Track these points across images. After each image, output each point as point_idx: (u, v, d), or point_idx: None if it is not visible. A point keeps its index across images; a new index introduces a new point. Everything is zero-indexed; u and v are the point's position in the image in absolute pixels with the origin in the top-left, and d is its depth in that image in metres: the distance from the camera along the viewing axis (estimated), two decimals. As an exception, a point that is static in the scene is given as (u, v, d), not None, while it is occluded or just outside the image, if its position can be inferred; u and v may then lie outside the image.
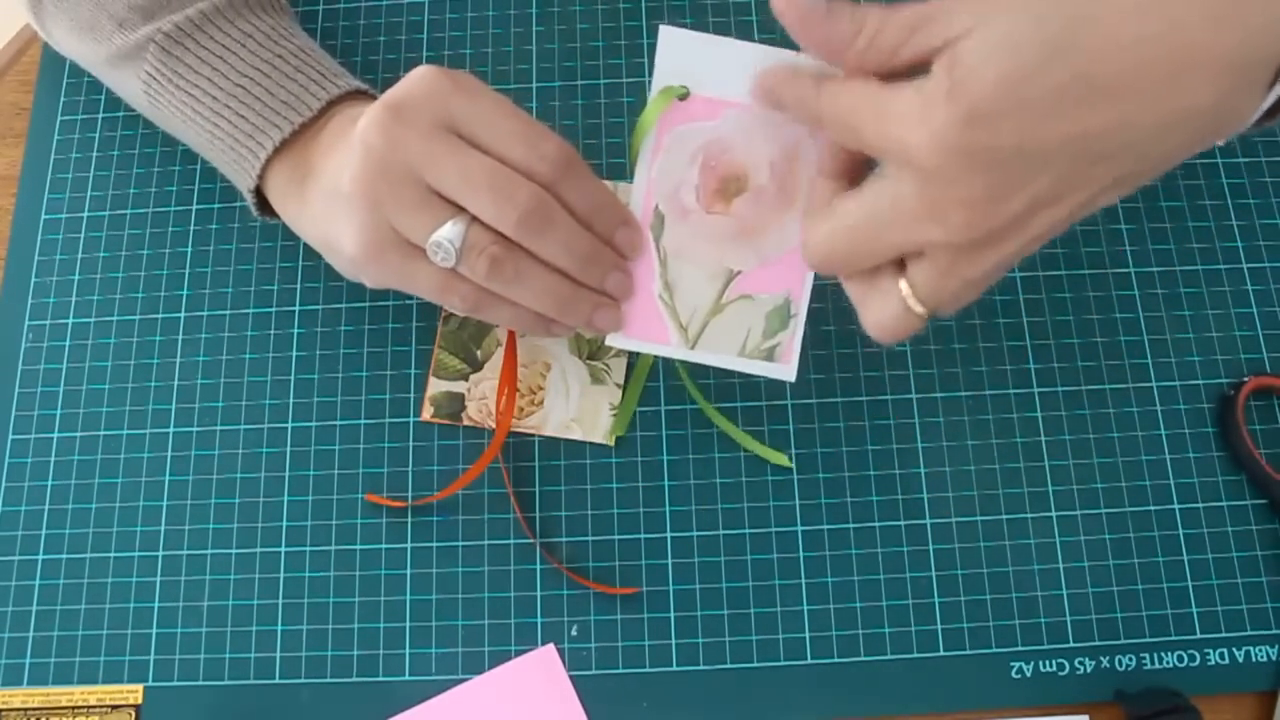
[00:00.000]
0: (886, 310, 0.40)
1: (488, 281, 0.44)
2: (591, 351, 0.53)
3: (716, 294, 0.46)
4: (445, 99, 0.43)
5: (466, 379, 0.53)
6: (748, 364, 0.46)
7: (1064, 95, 0.34)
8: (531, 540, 0.51)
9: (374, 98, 0.48)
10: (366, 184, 0.43)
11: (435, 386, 0.53)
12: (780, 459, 0.51)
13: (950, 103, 0.34)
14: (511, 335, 0.52)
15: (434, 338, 0.54)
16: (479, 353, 0.53)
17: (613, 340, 0.47)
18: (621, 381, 0.52)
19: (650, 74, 0.59)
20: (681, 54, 0.45)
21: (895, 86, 0.36)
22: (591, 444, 0.52)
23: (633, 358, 0.53)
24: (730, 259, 0.46)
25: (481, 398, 0.52)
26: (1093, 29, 0.33)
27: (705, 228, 0.46)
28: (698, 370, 0.52)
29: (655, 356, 0.51)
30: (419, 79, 0.44)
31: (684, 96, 0.45)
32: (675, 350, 0.47)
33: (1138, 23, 0.33)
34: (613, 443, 0.52)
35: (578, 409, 0.52)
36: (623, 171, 0.57)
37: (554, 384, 0.52)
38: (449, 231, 0.43)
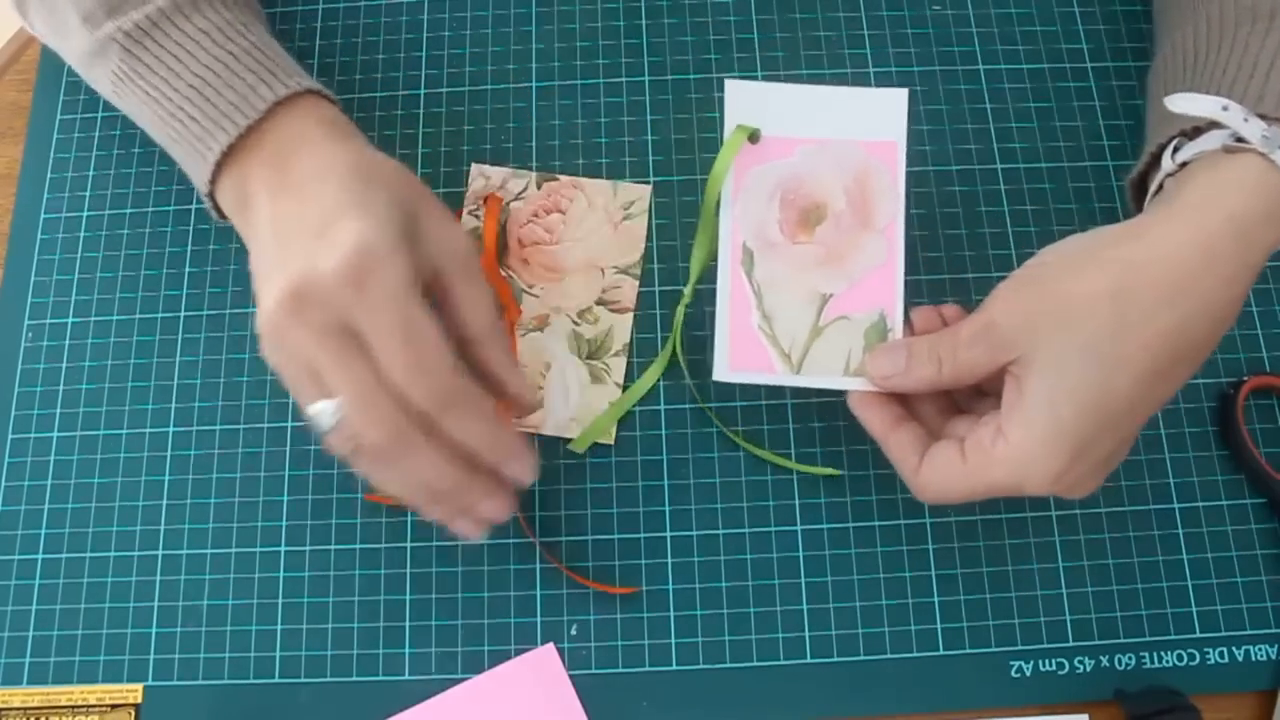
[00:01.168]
0: None
1: (351, 462, 0.43)
2: (591, 351, 0.53)
3: (814, 318, 0.48)
4: (349, 305, 0.41)
5: None
6: (855, 382, 0.47)
7: (1135, 397, 0.41)
8: (531, 540, 0.51)
9: (326, 97, 0.48)
10: (267, 341, 0.42)
11: None
12: (829, 471, 0.51)
13: (1050, 461, 0.41)
14: (512, 334, 0.52)
15: None
16: None
17: (719, 375, 0.48)
18: (621, 381, 0.52)
19: (649, 73, 0.59)
20: (748, 103, 0.49)
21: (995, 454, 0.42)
22: (591, 443, 0.52)
23: (627, 380, 0.53)
24: (821, 284, 0.48)
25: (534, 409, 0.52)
26: (1134, 336, 0.40)
27: (793, 258, 0.49)
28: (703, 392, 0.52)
29: (645, 388, 0.52)
30: (337, 270, 0.40)
31: (754, 137, 0.49)
32: (782, 377, 0.48)
33: (1169, 313, 0.40)
34: (612, 441, 0.52)
35: (577, 408, 0.52)
36: (623, 171, 0.57)
37: (554, 383, 0.52)
38: (326, 409, 0.41)
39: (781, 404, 0.52)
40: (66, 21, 0.50)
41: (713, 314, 0.48)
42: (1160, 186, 0.45)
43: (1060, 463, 0.41)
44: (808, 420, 0.52)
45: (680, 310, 0.52)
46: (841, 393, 0.48)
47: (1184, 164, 0.44)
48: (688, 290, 0.52)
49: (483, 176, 0.56)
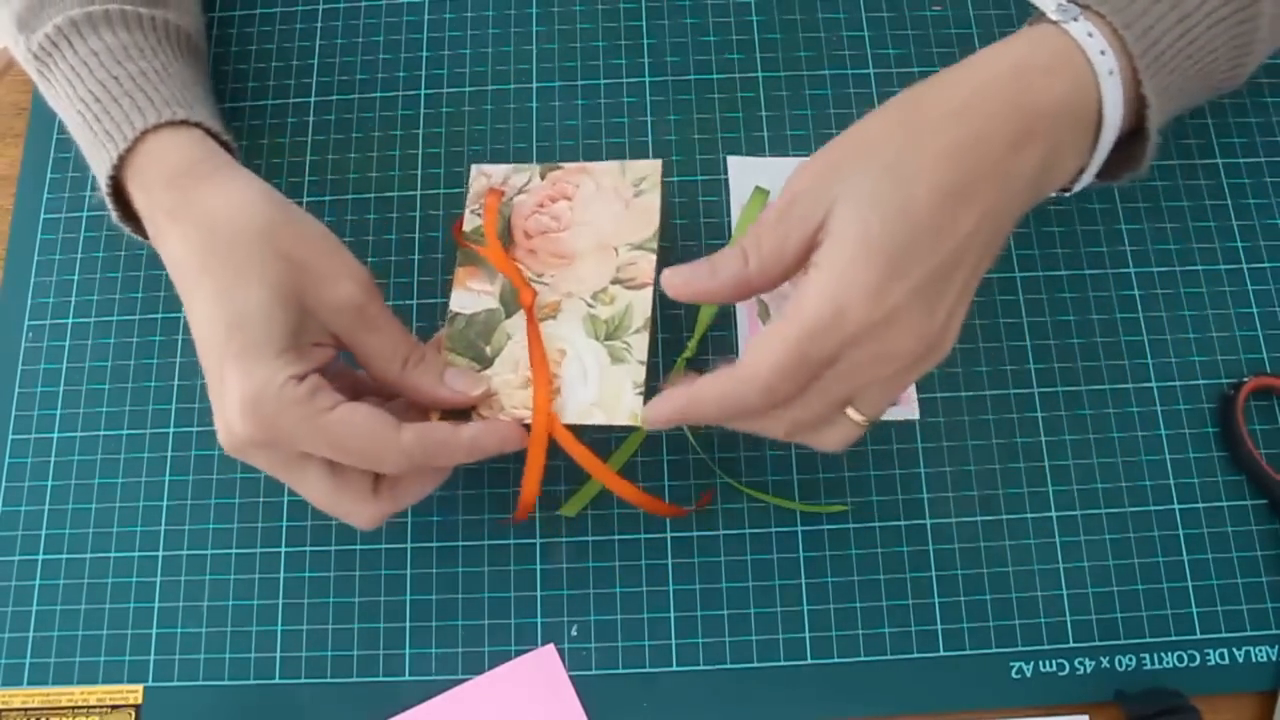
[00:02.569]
0: (839, 435, 0.43)
1: None
2: (610, 332, 0.49)
3: None
4: (275, 447, 0.43)
5: None
6: None
7: (938, 212, 0.39)
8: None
9: (200, 127, 0.47)
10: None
11: None
12: (837, 507, 0.51)
13: (866, 273, 0.39)
14: (531, 316, 0.50)
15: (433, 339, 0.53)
16: (488, 349, 0.51)
17: None
18: (644, 359, 0.49)
19: (649, 74, 0.59)
20: (748, 175, 0.56)
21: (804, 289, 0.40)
22: (599, 437, 0.52)
23: (652, 356, 0.50)
24: None
25: (491, 393, 0.50)
26: (926, 149, 0.40)
27: None
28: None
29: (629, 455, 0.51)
30: (245, 435, 0.42)
31: (766, 195, 0.54)
32: None
33: (957, 128, 0.40)
34: (638, 423, 0.47)
35: (598, 392, 0.48)
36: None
37: (570, 369, 0.49)
38: None
39: (786, 454, 0.52)
40: (4, 32, 0.50)
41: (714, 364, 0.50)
42: None
43: (876, 273, 0.39)
44: (811, 470, 0.52)
45: (681, 363, 0.52)
46: None
47: None
48: (692, 344, 0.52)
49: (484, 176, 0.55)
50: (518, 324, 0.50)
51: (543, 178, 0.54)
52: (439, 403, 0.47)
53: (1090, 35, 0.42)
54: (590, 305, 0.50)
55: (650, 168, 0.53)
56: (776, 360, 0.39)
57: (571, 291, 0.50)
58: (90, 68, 0.47)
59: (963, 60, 0.43)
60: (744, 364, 0.41)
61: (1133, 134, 0.44)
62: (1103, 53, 0.42)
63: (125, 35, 0.49)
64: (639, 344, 0.48)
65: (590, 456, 0.47)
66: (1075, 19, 0.43)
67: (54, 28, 0.48)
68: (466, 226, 0.54)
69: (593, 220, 0.52)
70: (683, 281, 0.43)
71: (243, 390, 0.41)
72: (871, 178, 0.40)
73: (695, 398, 0.42)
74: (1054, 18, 0.43)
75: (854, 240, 0.39)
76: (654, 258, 0.50)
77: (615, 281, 0.50)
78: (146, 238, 0.48)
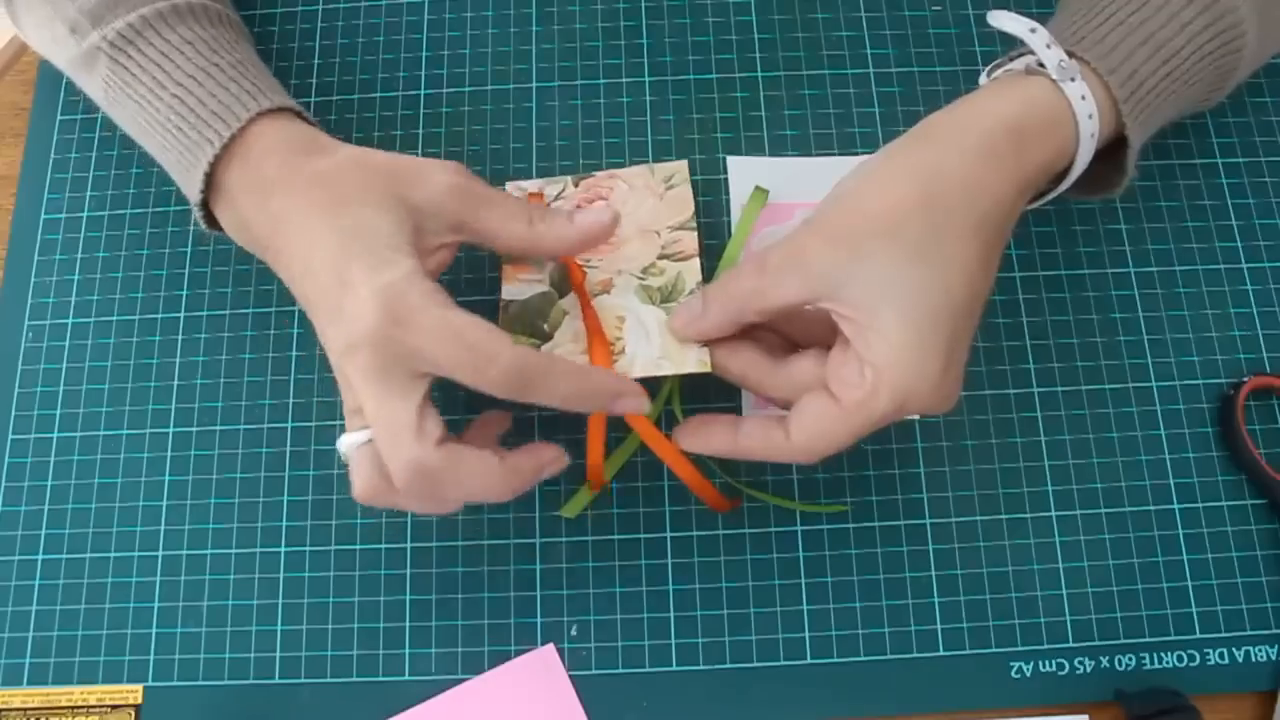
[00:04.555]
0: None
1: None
2: (664, 297, 0.49)
3: None
4: (389, 343, 0.41)
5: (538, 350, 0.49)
6: None
7: (969, 293, 0.42)
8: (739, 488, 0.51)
9: (303, 117, 0.48)
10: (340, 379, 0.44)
11: None
12: (837, 507, 0.51)
13: (927, 372, 0.41)
14: (582, 292, 0.49)
15: None
16: (545, 325, 0.50)
17: (748, 411, 0.51)
18: None
19: (649, 73, 0.59)
20: (748, 175, 0.56)
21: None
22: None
23: (616, 442, 0.51)
24: None
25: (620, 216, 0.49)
26: (949, 235, 0.42)
27: None
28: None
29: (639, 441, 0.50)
30: (363, 318, 0.41)
31: (766, 195, 0.54)
32: None
33: (971, 210, 0.42)
34: (708, 369, 0.46)
35: (661, 347, 0.48)
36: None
37: (631, 331, 0.49)
38: (346, 442, 0.44)
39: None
40: (55, 32, 0.50)
41: None
42: None
43: (937, 369, 0.41)
44: (811, 470, 0.52)
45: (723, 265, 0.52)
46: None
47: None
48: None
49: (518, 190, 0.55)
50: (573, 302, 0.50)
51: (576, 185, 0.54)
52: (577, 245, 0.47)
53: (1084, 98, 0.44)
54: (641, 278, 0.50)
55: (677, 167, 0.54)
56: (834, 443, 0.43)
57: (622, 269, 0.50)
58: (186, 55, 0.48)
59: (962, 112, 0.44)
60: (800, 439, 0.43)
61: (1103, 151, 0.46)
62: (1090, 116, 0.44)
63: (210, 29, 0.49)
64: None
65: (646, 421, 0.48)
66: (1073, 79, 0.44)
67: (138, 17, 0.48)
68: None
69: (632, 212, 0.52)
70: (682, 324, 0.46)
71: (371, 283, 0.41)
72: (901, 266, 0.41)
73: (740, 449, 0.45)
74: (1054, 77, 0.44)
75: (907, 342, 0.41)
76: (695, 234, 0.51)
77: (662, 257, 0.50)
78: (218, 229, 0.48)
